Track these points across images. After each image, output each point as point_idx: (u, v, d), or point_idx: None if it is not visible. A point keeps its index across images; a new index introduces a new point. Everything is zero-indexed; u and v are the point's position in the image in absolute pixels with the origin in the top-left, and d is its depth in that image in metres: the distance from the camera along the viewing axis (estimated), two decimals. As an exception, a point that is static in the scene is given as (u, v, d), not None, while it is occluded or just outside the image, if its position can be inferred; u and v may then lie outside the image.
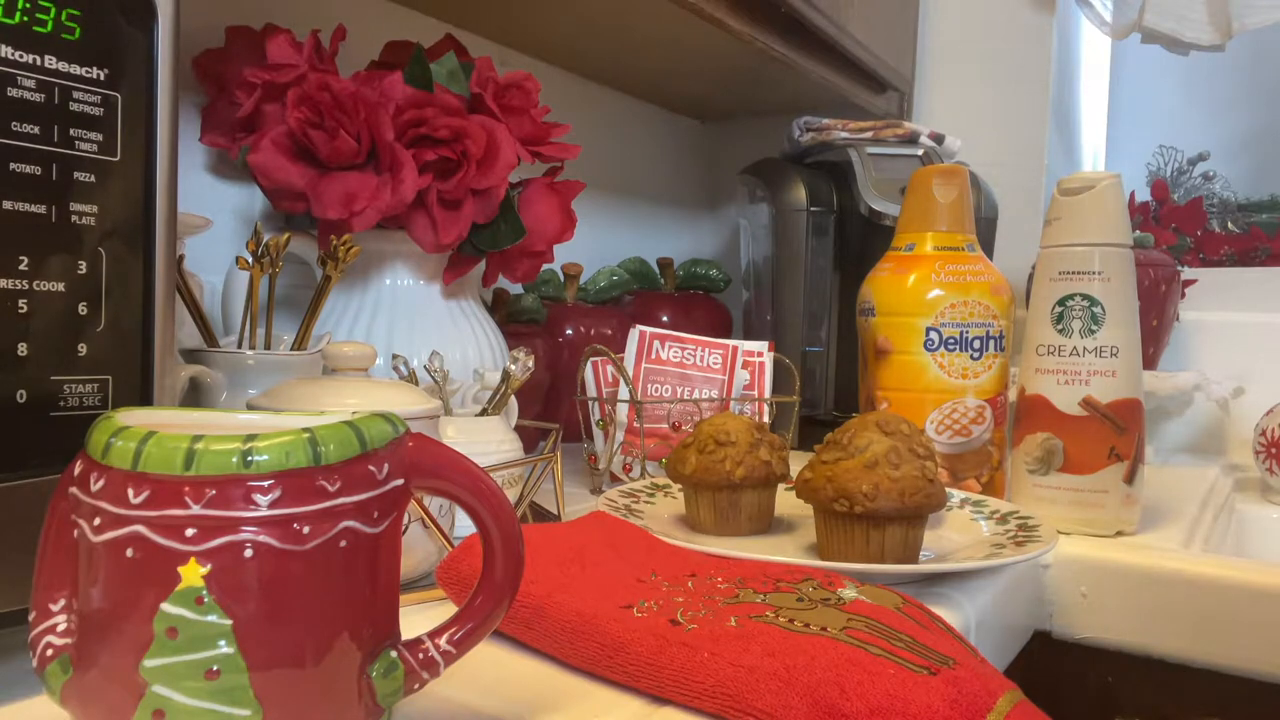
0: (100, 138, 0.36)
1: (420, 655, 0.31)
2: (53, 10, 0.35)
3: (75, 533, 0.28)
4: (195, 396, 0.59)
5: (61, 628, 0.29)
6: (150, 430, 0.27)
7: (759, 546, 0.60)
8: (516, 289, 1.03)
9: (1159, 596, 0.65)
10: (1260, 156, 1.46)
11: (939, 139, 1.10)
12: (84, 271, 0.36)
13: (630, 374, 0.83)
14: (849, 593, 0.44)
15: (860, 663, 0.36)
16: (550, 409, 0.96)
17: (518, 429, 0.70)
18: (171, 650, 0.26)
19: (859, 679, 0.35)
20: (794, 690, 0.34)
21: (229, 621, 0.27)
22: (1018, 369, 0.77)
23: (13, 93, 0.34)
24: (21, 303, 0.34)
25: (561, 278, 1.06)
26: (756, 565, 0.49)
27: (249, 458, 0.27)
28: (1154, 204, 1.42)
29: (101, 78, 0.36)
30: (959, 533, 0.63)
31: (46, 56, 0.35)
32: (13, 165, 0.34)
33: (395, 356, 0.65)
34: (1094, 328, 0.70)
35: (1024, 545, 0.56)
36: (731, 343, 0.88)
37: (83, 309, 0.36)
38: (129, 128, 0.37)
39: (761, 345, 0.89)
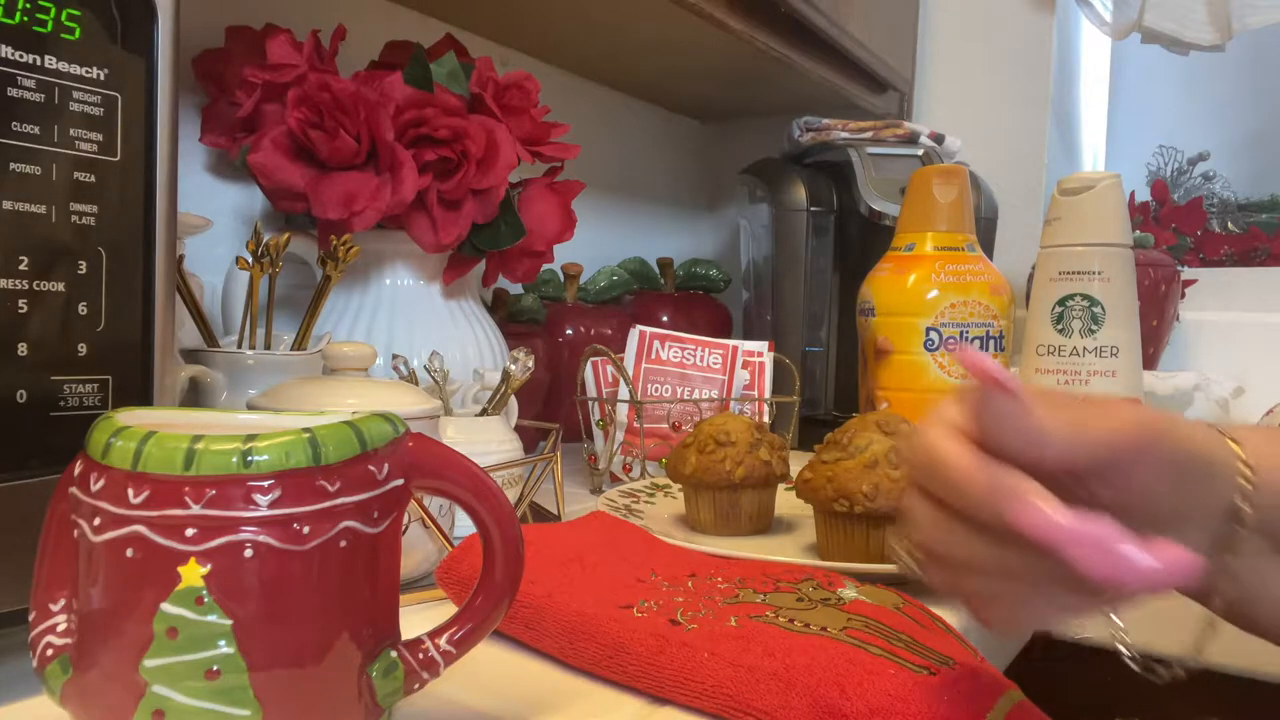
0: (100, 138, 0.36)
1: (420, 655, 0.31)
2: (53, 10, 0.35)
3: (75, 533, 0.28)
4: (195, 396, 0.59)
5: (61, 628, 0.29)
6: (150, 430, 0.27)
7: (759, 546, 0.60)
8: (516, 289, 1.03)
9: (1159, 596, 0.65)
10: (1260, 156, 1.46)
11: (939, 139, 1.10)
12: (84, 271, 0.36)
13: (630, 374, 0.83)
14: (849, 593, 0.44)
15: (860, 663, 0.36)
16: (550, 409, 0.96)
17: (518, 429, 0.70)
18: (171, 650, 0.26)
19: (859, 679, 0.35)
20: (794, 690, 0.34)
21: (229, 621, 0.27)
22: (1018, 369, 0.77)
23: (13, 93, 0.34)
24: (21, 303, 0.34)
25: (561, 278, 1.06)
26: (756, 565, 0.49)
27: (249, 458, 0.27)
28: (1154, 204, 1.42)
29: (101, 78, 0.36)
30: (959, 533, 0.63)
31: (46, 56, 0.35)
32: (13, 165, 0.34)
33: (395, 356, 0.65)
34: (1094, 328, 0.70)
35: (1024, 545, 0.56)
36: (731, 343, 0.88)
37: (83, 309, 0.36)
38: (129, 128, 0.37)
39: (761, 345, 0.89)
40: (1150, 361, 1.14)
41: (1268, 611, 0.36)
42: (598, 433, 0.84)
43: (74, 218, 0.36)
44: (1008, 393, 0.30)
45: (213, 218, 0.68)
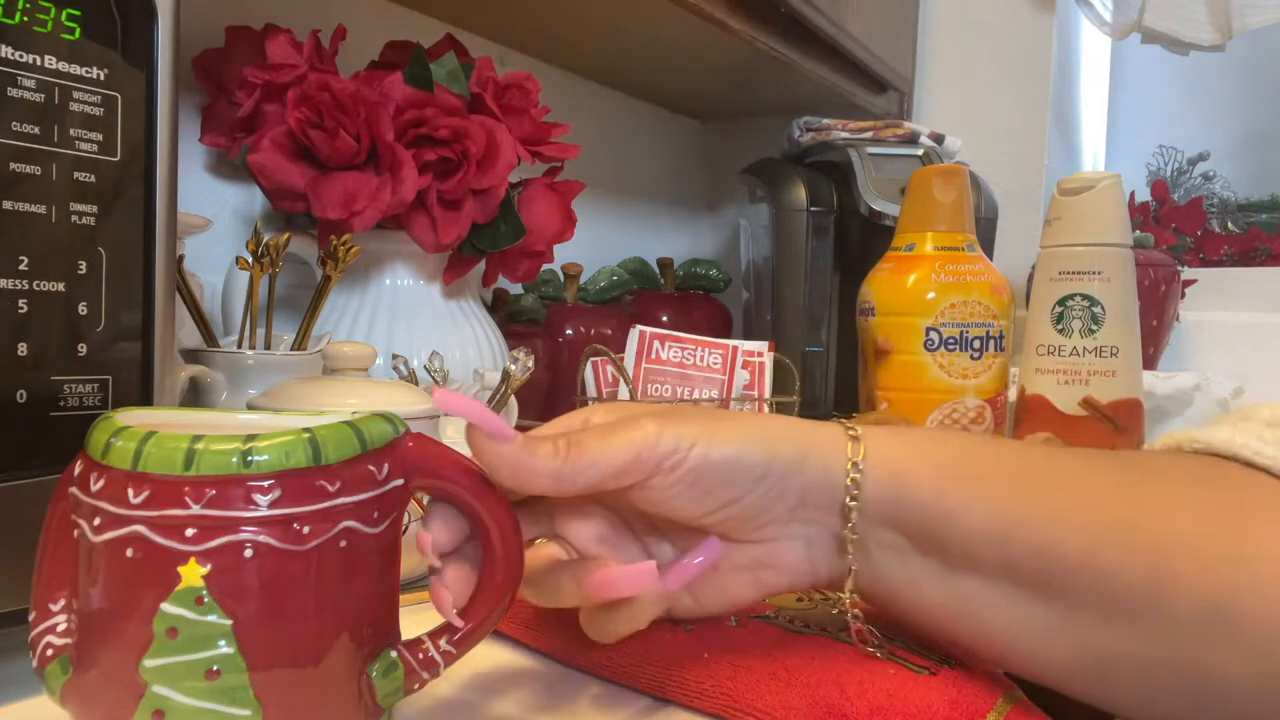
0: (100, 138, 0.36)
1: (420, 655, 0.31)
2: (53, 10, 0.35)
3: (75, 533, 0.28)
4: (195, 396, 0.59)
5: (61, 628, 0.29)
6: (150, 430, 0.27)
7: (759, 546, 0.60)
8: (516, 289, 1.03)
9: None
10: (1260, 156, 1.46)
11: (939, 139, 1.10)
12: (84, 271, 0.36)
13: (630, 374, 0.83)
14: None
15: (860, 662, 0.36)
16: (550, 409, 0.96)
17: (518, 429, 0.70)
18: (171, 650, 0.26)
19: (859, 679, 0.35)
20: (794, 690, 0.34)
21: (229, 621, 0.27)
22: (1018, 369, 0.77)
23: (13, 93, 0.34)
24: (21, 303, 0.34)
25: (561, 278, 1.06)
26: (756, 565, 0.48)
27: (249, 458, 0.27)
28: (1154, 204, 1.42)
29: (101, 78, 0.36)
30: (959, 533, 0.63)
31: (46, 56, 0.35)
32: (13, 165, 0.34)
33: (395, 356, 0.65)
34: (1094, 328, 0.70)
35: (1024, 545, 0.56)
36: (731, 343, 0.88)
37: (83, 309, 0.36)
38: (129, 128, 0.37)
39: (761, 345, 0.89)
40: (1150, 361, 1.14)
41: (897, 607, 0.36)
42: (598, 433, 0.84)
43: (74, 218, 0.36)
44: (495, 437, 0.32)
45: (213, 218, 0.68)
